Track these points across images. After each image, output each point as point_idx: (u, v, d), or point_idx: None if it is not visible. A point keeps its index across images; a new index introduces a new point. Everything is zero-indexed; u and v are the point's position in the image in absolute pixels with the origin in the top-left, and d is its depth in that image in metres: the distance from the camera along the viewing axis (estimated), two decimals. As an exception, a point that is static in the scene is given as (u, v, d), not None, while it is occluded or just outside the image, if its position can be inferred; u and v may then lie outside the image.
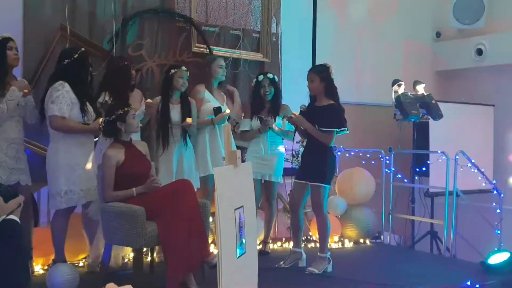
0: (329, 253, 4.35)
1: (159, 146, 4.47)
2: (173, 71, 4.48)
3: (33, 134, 4.17)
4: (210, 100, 4.75)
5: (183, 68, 4.51)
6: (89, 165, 3.91)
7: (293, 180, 4.52)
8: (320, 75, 4.26)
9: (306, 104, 4.43)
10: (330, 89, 4.28)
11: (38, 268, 4.12)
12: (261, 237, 5.02)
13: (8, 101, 3.74)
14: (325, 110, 4.24)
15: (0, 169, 3.77)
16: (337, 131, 4.21)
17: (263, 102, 4.86)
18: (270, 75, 4.87)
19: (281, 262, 4.41)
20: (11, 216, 2.06)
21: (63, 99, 3.75)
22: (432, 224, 6.24)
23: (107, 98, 4.19)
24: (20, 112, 3.92)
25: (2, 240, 1.98)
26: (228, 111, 4.62)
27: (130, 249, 4.22)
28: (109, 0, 4.74)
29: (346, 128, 4.26)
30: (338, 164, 6.08)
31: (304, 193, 4.37)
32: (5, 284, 1.96)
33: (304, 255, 4.46)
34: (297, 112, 4.32)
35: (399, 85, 5.91)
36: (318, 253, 4.34)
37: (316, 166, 4.26)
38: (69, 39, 4.48)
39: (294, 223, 4.50)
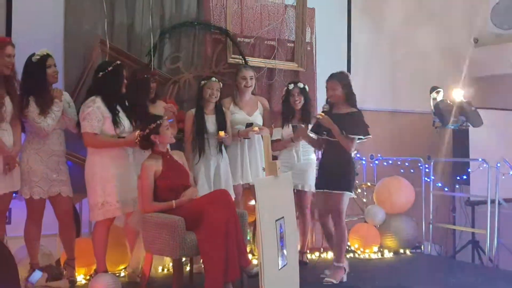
0: (346, 262, 4.30)
1: (195, 156, 4.50)
2: (202, 82, 4.53)
3: (75, 146, 4.26)
4: (236, 111, 4.76)
5: (213, 79, 4.53)
6: (125, 177, 3.95)
7: (315, 190, 4.47)
8: (342, 82, 4.24)
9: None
10: (352, 96, 4.26)
11: (80, 278, 4.18)
12: (298, 247, 4.98)
13: (56, 112, 3.85)
14: (349, 117, 4.21)
15: (42, 181, 3.87)
16: (362, 138, 4.20)
17: (293, 111, 4.85)
18: (300, 84, 4.85)
19: (326, 271, 4.33)
20: None
21: (93, 115, 3.81)
22: (473, 233, 6.09)
23: None
24: (61, 124, 4.02)
25: None
26: (256, 128, 4.59)
27: (169, 259, 4.24)
28: (147, 14, 4.83)
29: (369, 135, 4.24)
30: (376, 173, 6.01)
31: (327, 202, 4.30)
32: None
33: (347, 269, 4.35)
34: (321, 113, 4.28)
35: (438, 92, 5.83)
36: (334, 263, 4.27)
37: (338, 174, 4.21)
38: (108, 53, 4.57)
39: (328, 234, 4.42)
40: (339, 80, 4.25)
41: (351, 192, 4.26)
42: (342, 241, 4.26)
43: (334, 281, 4.17)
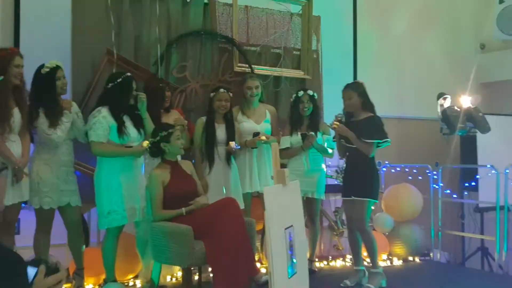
0: (381, 268, 4.33)
1: (205, 166, 4.51)
2: (212, 94, 4.56)
3: (83, 156, 4.28)
4: (244, 120, 4.77)
5: (221, 90, 4.54)
6: (133, 186, 3.96)
7: (342, 198, 4.52)
8: (357, 91, 4.30)
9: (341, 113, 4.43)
10: (368, 103, 4.31)
11: (89, 287, 4.19)
12: (307, 255, 4.97)
13: (65, 123, 3.89)
14: (366, 123, 4.25)
15: (52, 191, 3.88)
16: (379, 142, 4.21)
17: (302, 119, 4.85)
18: (310, 92, 4.86)
19: (346, 281, 4.37)
20: None
21: (99, 125, 3.83)
22: (482, 240, 6.05)
23: None
24: (70, 135, 4.04)
25: None
26: (263, 137, 4.61)
27: (178, 267, 4.24)
28: (154, 24, 4.85)
29: (388, 140, 4.25)
30: (384, 180, 6.00)
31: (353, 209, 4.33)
32: None
33: (367, 273, 4.41)
34: (336, 122, 4.32)
35: (445, 99, 5.82)
36: (371, 269, 4.33)
37: (361, 180, 4.24)
38: (115, 63, 4.60)
39: (352, 241, 4.47)
40: (354, 89, 4.31)
41: (375, 198, 4.30)
42: (371, 247, 4.30)
43: (372, 287, 4.21)
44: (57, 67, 3.94)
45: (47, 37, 4.56)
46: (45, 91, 3.88)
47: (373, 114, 4.30)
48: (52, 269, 1.92)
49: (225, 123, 4.57)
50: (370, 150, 4.23)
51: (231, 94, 4.59)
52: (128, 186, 3.92)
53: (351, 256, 5.18)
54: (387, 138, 4.24)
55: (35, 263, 1.87)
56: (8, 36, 4.55)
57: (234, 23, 5.22)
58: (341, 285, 4.33)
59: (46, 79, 3.89)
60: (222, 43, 5.20)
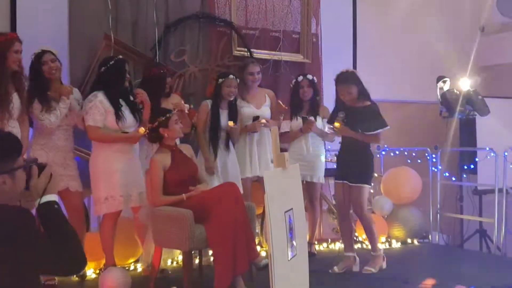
0: (382, 250, 4.35)
1: (209, 150, 4.48)
2: (220, 80, 4.50)
3: (83, 142, 4.28)
4: (244, 105, 4.76)
5: (231, 76, 4.49)
6: (130, 171, 3.96)
7: (334, 181, 4.50)
8: (355, 82, 4.22)
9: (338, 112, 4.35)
10: (365, 91, 4.26)
11: (90, 272, 4.22)
12: (307, 238, 5.00)
13: (62, 109, 3.89)
14: (365, 113, 4.21)
15: (49, 176, 3.88)
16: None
17: (302, 103, 4.84)
18: (309, 76, 4.85)
19: (335, 268, 4.31)
20: (47, 198, 1.94)
21: (96, 109, 3.83)
22: (481, 222, 6.08)
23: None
24: (68, 120, 4.04)
25: (46, 225, 1.94)
26: (263, 120, 4.61)
27: (179, 251, 4.27)
28: (151, 8, 4.82)
29: (388, 126, 4.25)
30: (383, 164, 6.01)
31: (347, 193, 4.32)
32: (62, 269, 1.97)
33: (357, 260, 4.36)
34: (337, 123, 4.25)
35: (444, 82, 5.81)
36: (372, 253, 4.32)
37: (357, 166, 4.23)
38: (113, 47, 4.58)
39: (343, 226, 4.44)
40: (352, 81, 4.22)
41: (370, 184, 4.32)
42: (370, 231, 4.31)
43: (373, 270, 4.22)
44: (43, 52, 3.92)
45: (44, 23, 4.54)
46: (34, 76, 3.89)
47: (370, 102, 4.25)
48: (42, 167, 1.97)
49: (228, 108, 4.55)
50: (377, 140, 4.27)
51: (238, 81, 4.55)
52: (126, 171, 3.93)
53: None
54: (387, 125, 4.22)
55: (27, 164, 1.94)
56: (5, 21, 4.52)
57: (232, 6, 5.20)
58: (330, 271, 4.29)
59: (33, 65, 3.90)
60: (221, 27, 5.18)
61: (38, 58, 3.91)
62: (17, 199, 1.95)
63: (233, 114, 4.54)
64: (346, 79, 4.24)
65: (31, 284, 1.90)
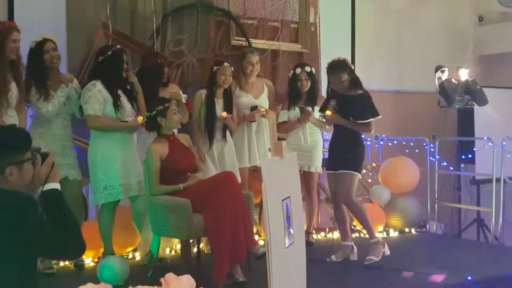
0: (380, 236, 4.32)
1: (205, 140, 4.49)
2: (215, 68, 4.49)
3: (82, 131, 4.27)
4: (242, 95, 4.75)
5: (225, 64, 4.49)
6: (128, 160, 3.97)
7: (326, 172, 4.49)
8: (346, 70, 4.21)
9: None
10: (356, 79, 4.25)
11: (88, 261, 4.24)
12: (304, 228, 5.01)
13: (60, 98, 3.89)
14: (357, 101, 4.20)
15: (47, 164, 3.89)
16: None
17: (300, 94, 4.84)
18: (307, 68, 4.83)
19: (332, 256, 4.31)
20: (50, 186, 1.99)
21: (95, 99, 3.83)
22: (478, 211, 6.11)
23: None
24: (67, 109, 4.04)
25: (48, 212, 1.97)
26: (262, 110, 4.60)
27: (177, 240, 4.28)
28: (149, -4, 4.79)
29: (380, 116, 4.24)
30: (381, 153, 6.02)
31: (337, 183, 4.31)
32: (63, 254, 2.01)
33: (355, 249, 4.36)
34: (329, 111, 4.25)
35: (443, 71, 5.79)
36: (370, 240, 4.28)
37: (346, 154, 4.22)
38: (111, 37, 4.56)
39: (338, 215, 4.42)
40: (343, 70, 4.20)
41: (358, 172, 4.25)
42: (362, 218, 4.28)
43: (375, 259, 4.16)
44: (45, 40, 3.91)
45: (41, 12, 4.50)
46: (34, 65, 3.88)
47: (362, 90, 4.24)
48: (45, 155, 2.00)
49: (223, 98, 4.55)
50: (369, 129, 4.24)
51: (233, 69, 4.55)
52: (124, 160, 3.94)
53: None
54: (379, 114, 4.22)
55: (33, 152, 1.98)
56: (3, 10, 4.50)
57: (230, -5, 5.17)
58: (327, 260, 4.28)
59: (34, 53, 3.89)
60: (219, 16, 5.16)
61: (40, 47, 3.90)
62: (23, 191, 1.97)
63: (228, 104, 4.54)
64: (337, 67, 4.22)
65: (27, 272, 1.92)
